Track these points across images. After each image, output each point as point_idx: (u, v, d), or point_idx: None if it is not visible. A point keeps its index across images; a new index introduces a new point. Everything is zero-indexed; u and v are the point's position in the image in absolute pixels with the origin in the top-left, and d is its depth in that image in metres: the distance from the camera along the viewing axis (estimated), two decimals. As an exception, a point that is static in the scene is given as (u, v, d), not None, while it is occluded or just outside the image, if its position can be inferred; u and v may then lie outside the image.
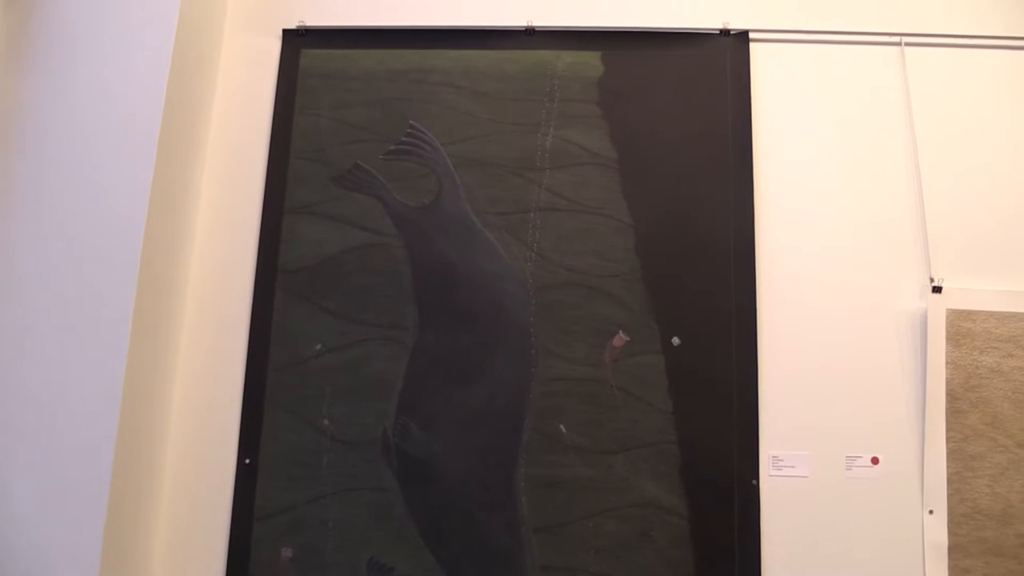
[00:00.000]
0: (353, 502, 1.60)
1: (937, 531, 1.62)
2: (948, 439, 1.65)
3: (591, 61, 1.78)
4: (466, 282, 1.68)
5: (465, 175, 1.72)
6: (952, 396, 1.66)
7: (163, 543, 1.61)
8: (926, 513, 1.63)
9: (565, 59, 1.78)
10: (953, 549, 1.61)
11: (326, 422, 1.63)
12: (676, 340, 1.65)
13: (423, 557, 1.58)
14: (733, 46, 1.79)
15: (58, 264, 1.51)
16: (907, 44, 1.81)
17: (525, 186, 1.71)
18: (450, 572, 1.57)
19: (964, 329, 1.68)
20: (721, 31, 1.80)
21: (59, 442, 1.44)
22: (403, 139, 1.74)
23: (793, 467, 1.63)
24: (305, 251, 1.70)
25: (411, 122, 1.75)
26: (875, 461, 1.64)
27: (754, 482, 1.61)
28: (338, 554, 1.58)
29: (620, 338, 1.65)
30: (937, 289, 1.69)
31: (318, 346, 1.65)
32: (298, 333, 1.66)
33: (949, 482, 1.64)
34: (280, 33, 1.83)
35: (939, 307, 1.69)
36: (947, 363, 1.67)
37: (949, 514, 1.62)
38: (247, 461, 1.62)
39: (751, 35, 1.80)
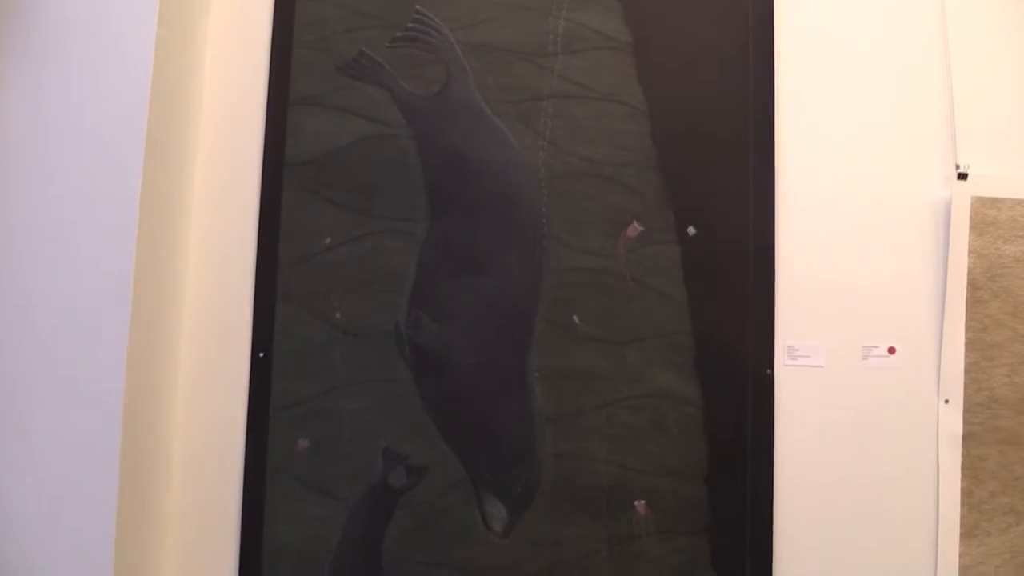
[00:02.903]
0: (367, 393, 1.60)
1: (952, 420, 1.61)
2: (967, 328, 1.63)
3: (605, -61, 1.69)
4: (477, 172, 1.64)
5: (474, 62, 1.66)
6: (973, 285, 1.63)
7: (181, 436, 1.63)
8: (942, 402, 1.62)
9: (578, -63, 1.69)
10: (968, 438, 1.61)
11: (338, 315, 1.62)
12: (692, 229, 1.62)
13: (437, 446, 1.59)
14: (755, -79, 1.69)
15: (62, 159, 1.48)
16: (940, -82, 1.70)
17: (536, 72, 1.65)
18: (464, 461, 1.59)
19: (989, 217, 1.64)
20: (743, -95, 1.69)
21: (72, 341, 1.44)
22: (409, 25, 1.67)
23: (808, 357, 1.61)
24: (311, 144, 1.66)
25: (417, 7, 1.67)
26: (892, 351, 1.62)
27: (769, 372, 1.60)
28: (353, 444, 1.60)
29: (634, 228, 1.62)
30: (962, 176, 1.63)
31: (328, 240, 1.63)
32: (307, 227, 1.64)
33: (966, 371, 1.62)
34: (279, -84, 1.74)
35: (964, 194, 1.64)
36: (970, 252, 1.63)
37: (965, 403, 1.62)
38: (261, 355, 1.62)
39: (775, -90, 1.70)
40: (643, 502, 1.58)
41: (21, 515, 1.43)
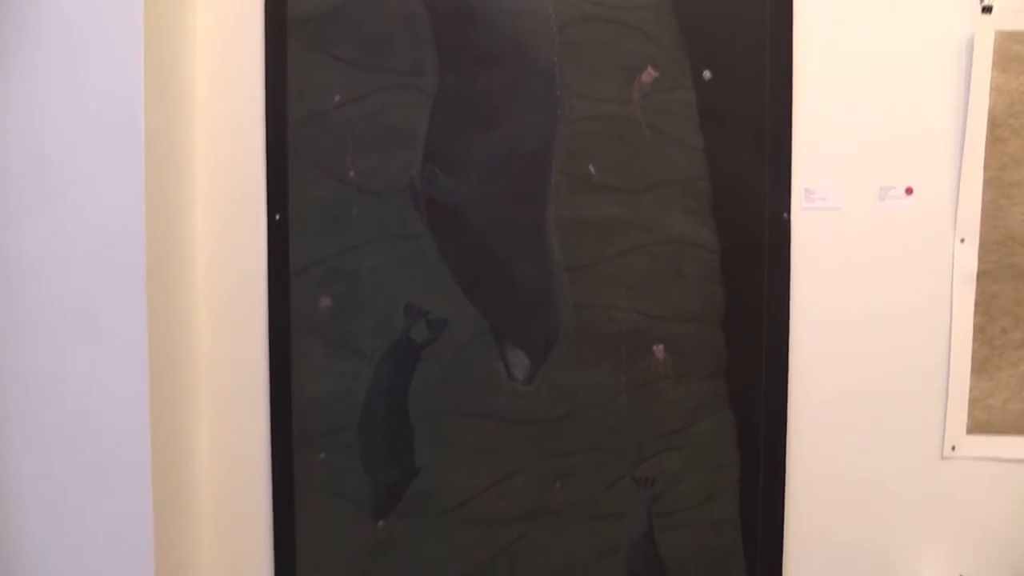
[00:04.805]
0: (385, 250, 1.61)
1: (967, 259, 1.62)
2: (986, 167, 1.61)
3: None
4: (486, 22, 1.59)
5: (478, -98, 1.58)
6: (993, 123, 1.61)
7: (205, 300, 1.65)
8: (957, 241, 1.62)
9: None
10: (982, 275, 1.62)
11: (352, 174, 1.61)
12: (707, 74, 1.58)
13: (458, 300, 1.61)
14: None
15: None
16: None
17: (544, -89, 1.58)
18: (484, 313, 1.61)
19: (1013, 52, 1.60)
20: None
21: (88, 214, 1.45)
22: None
23: (825, 199, 1.61)
24: (314, -1, 1.60)
25: None
26: (909, 191, 1.61)
27: (785, 215, 1.60)
28: (374, 300, 1.62)
29: (648, 74, 1.58)
30: (987, 9, 1.58)
31: (337, 97, 1.60)
32: (315, 85, 1.61)
33: (984, 210, 1.62)
34: None
35: (987, 29, 1.59)
36: (991, 89, 1.60)
37: (981, 241, 1.62)
38: (277, 217, 1.62)
39: None
40: (661, 347, 1.61)
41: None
